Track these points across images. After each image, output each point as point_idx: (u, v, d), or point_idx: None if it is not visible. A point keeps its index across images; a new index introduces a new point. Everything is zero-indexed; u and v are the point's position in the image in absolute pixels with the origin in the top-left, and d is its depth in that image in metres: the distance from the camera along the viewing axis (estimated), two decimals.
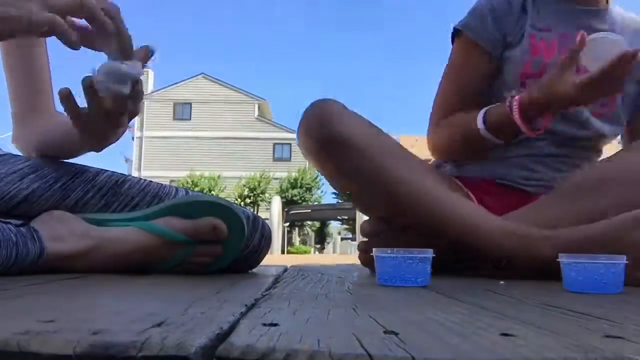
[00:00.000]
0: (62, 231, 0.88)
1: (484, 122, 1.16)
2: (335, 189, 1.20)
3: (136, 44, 0.82)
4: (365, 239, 1.15)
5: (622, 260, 0.73)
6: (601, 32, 1.11)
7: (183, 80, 27.13)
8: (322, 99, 1.12)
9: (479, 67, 1.27)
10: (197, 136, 25.95)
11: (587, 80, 1.04)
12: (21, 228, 0.82)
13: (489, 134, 1.16)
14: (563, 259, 0.76)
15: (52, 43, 0.84)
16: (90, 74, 0.79)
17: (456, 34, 1.31)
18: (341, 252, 22.86)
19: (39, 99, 1.05)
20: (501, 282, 0.89)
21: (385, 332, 0.36)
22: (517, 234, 1.00)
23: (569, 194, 1.07)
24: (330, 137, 1.04)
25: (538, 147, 1.23)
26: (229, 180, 23.96)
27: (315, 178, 23.88)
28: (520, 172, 1.24)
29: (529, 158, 1.24)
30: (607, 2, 1.31)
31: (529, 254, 0.98)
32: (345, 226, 26.75)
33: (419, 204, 1.03)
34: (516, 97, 1.12)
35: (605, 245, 0.89)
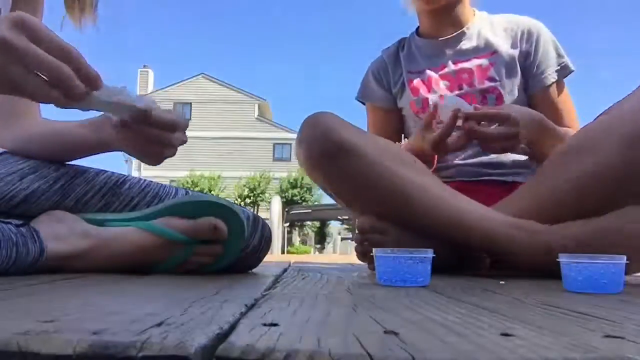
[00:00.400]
0: (62, 231, 0.88)
1: None
2: (334, 199, 1.22)
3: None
4: (364, 242, 1.14)
5: (622, 260, 0.73)
6: (448, 96, 1.32)
7: (183, 80, 27.15)
8: (320, 111, 1.13)
9: (387, 122, 1.52)
10: (197, 136, 25.96)
11: (434, 140, 1.19)
12: (21, 228, 0.82)
13: None
14: (563, 259, 0.76)
15: None
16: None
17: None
18: (341, 252, 22.86)
19: (24, 104, 1.02)
20: (501, 282, 0.89)
21: (385, 332, 0.36)
22: (524, 227, 1.01)
23: (550, 167, 1.11)
24: (337, 145, 1.04)
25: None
26: (229, 180, 23.95)
27: None
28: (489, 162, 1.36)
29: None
30: (474, 13, 1.46)
31: (535, 246, 0.99)
32: (345, 226, 26.74)
33: (427, 205, 1.04)
34: (406, 144, 1.29)
35: (606, 235, 0.94)
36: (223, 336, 0.34)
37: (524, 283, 0.88)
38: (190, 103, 26.49)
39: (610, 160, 0.98)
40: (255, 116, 26.81)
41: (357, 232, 1.14)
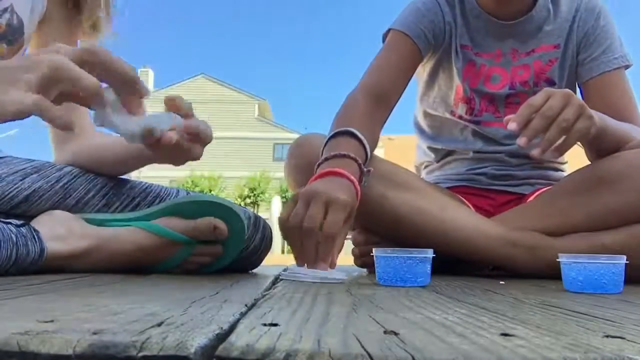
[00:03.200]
0: (62, 231, 0.88)
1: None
2: None
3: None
4: (362, 255, 1.14)
5: (622, 260, 0.73)
6: None
7: (183, 80, 27.14)
8: (307, 134, 1.11)
9: (403, 56, 1.22)
10: None
11: None
12: (21, 228, 0.82)
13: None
14: (563, 259, 0.76)
15: None
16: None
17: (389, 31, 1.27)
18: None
19: (78, 121, 1.02)
20: (501, 282, 0.89)
21: (385, 332, 0.36)
22: (523, 244, 1.00)
23: (567, 191, 1.07)
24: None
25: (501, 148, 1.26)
26: (229, 180, 23.95)
27: None
28: (495, 172, 1.27)
29: (501, 155, 1.27)
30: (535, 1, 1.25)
31: (536, 262, 0.99)
32: None
33: (420, 227, 1.03)
34: None
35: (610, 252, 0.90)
36: (223, 336, 0.33)
37: (524, 283, 0.88)
38: (190, 103, 26.38)
39: (629, 200, 0.95)
40: (255, 116, 26.80)
41: (353, 246, 1.14)
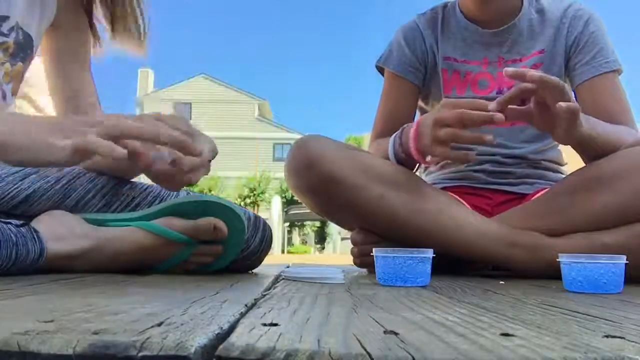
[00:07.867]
0: (62, 231, 0.88)
1: (394, 147, 1.11)
2: (331, 222, 1.21)
3: None
4: (361, 255, 1.14)
5: (622, 260, 0.73)
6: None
7: (183, 80, 27.15)
8: (306, 136, 1.11)
9: (402, 97, 1.33)
10: None
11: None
12: (21, 228, 0.82)
13: (395, 159, 1.11)
14: (563, 258, 0.76)
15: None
16: None
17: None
18: (341, 252, 22.86)
19: (89, 106, 1.07)
20: (501, 282, 0.89)
21: (385, 332, 0.36)
22: (523, 244, 1.00)
23: (566, 190, 1.06)
24: (320, 178, 1.03)
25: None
26: (229, 180, 23.96)
27: None
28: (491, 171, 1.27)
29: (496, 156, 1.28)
30: (521, 5, 1.28)
31: (536, 262, 0.99)
32: None
33: (420, 228, 1.03)
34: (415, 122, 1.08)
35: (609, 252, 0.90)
36: (223, 336, 0.33)
37: (524, 283, 0.88)
38: (190, 103, 26.49)
39: (629, 199, 0.95)
40: (255, 116, 26.82)
41: (352, 245, 1.14)
